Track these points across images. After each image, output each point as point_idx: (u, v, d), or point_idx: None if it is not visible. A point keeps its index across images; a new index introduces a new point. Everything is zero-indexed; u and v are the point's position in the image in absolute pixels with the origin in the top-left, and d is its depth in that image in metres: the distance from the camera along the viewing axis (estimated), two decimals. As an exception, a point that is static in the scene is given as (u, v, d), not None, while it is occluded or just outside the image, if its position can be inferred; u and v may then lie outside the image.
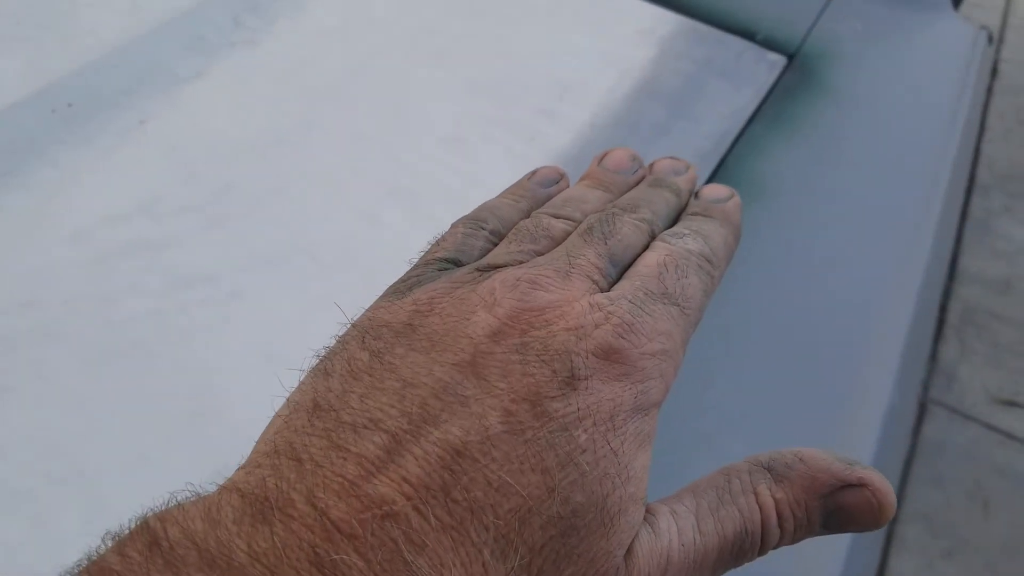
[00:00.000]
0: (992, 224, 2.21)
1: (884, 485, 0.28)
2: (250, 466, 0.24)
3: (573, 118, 0.72)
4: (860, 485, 0.27)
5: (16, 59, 0.69)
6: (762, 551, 0.28)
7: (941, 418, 1.76)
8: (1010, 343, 1.91)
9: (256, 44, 0.74)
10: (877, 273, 0.64)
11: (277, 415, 0.27)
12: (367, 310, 0.30)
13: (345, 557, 0.21)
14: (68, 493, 0.46)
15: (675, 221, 0.36)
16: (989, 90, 2.65)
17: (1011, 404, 1.78)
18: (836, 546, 0.49)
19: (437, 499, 0.22)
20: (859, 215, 0.68)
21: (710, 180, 0.68)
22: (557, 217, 0.34)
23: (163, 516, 0.22)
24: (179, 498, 0.23)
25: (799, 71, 0.80)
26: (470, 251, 0.33)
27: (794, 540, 0.28)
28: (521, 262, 0.30)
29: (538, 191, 0.38)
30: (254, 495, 0.22)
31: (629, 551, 0.25)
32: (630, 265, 0.31)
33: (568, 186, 0.40)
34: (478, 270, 0.30)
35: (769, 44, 0.82)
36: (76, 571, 0.21)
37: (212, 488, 0.23)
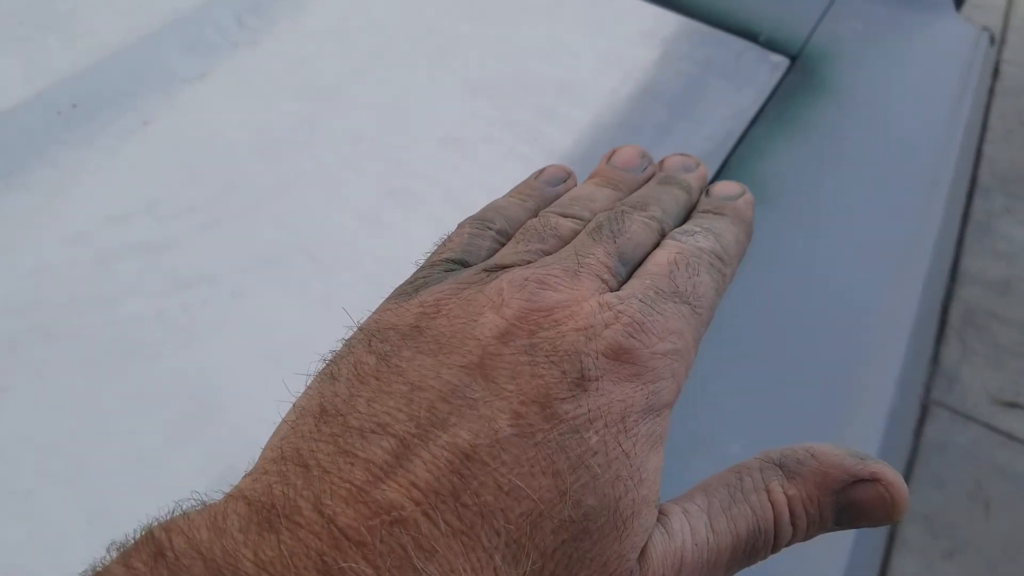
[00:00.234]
0: (993, 225, 2.21)
1: (897, 479, 0.27)
2: (256, 473, 0.24)
3: (575, 119, 0.72)
4: (873, 480, 0.27)
5: (19, 60, 0.69)
6: (775, 549, 0.27)
7: (942, 419, 1.76)
8: (1011, 344, 1.91)
9: (258, 45, 0.74)
10: (879, 274, 0.64)
11: (284, 421, 0.26)
12: (373, 312, 0.29)
13: (354, 565, 0.20)
14: (69, 494, 0.46)
15: (686, 219, 0.35)
16: (991, 91, 2.65)
17: (1012, 405, 1.78)
18: (838, 546, 0.49)
19: (447, 504, 0.22)
20: (861, 216, 0.68)
21: (712, 181, 0.68)
22: (565, 216, 0.34)
23: (168, 526, 0.22)
24: (184, 507, 0.23)
25: (801, 72, 0.80)
26: (477, 251, 0.33)
27: (806, 537, 0.28)
28: (529, 262, 0.30)
29: (545, 190, 0.38)
30: (260, 502, 0.22)
31: (643, 553, 0.25)
32: (640, 264, 0.31)
33: (576, 185, 0.39)
34: (485, 271, 0.29)
35: (771, 45, 0.82)
36: None
37: (218, 496, 0.23)
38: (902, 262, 0.66)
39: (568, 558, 0.23)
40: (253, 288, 0.56)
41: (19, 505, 0.45)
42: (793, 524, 0.27)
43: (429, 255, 0.33)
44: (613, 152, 0.40)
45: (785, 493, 0.27)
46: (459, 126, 0.70)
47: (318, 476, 0.22)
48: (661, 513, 0.26)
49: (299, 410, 0.26)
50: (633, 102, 0.75)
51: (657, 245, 0.32)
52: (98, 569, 0.21)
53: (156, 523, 0.22)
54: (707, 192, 0.37)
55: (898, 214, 0.69)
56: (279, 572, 0.20)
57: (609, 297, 0.27)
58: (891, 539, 1.56)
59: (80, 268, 0.56)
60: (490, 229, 0.34)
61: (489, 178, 0.65)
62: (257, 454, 0.25)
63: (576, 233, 0.33)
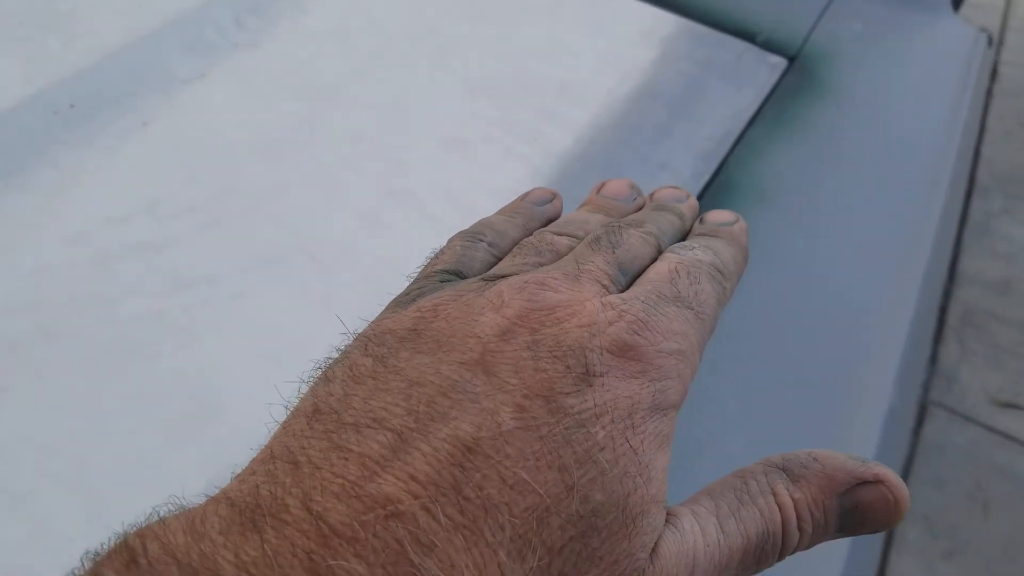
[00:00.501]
0: (992, 225, 2.21)
1: (899, 481, 0.27)
2: (244, 474, 0.23)
3: (574, 119, 0.72)
4: (876, 482, 0.27)
5: (18, 60, 0.69)
6: (782, 555, 0.27)
7: (941, 419, 1.76)
8: (1010, 344, 1.91)
9: (257, 45, 0.74)
10: (877, 274, 0.64)
11: (279, 424, 0.25)
12: (369, 323, 0.29)
13: (344, 563, 0.19)
14: (69, 494, 0.46)
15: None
16: (989, 92, 2.65)
17: (1011, 406, 1.78)
18: (836, 547, 0.49)
19: (447, 497, 0.21)
20: (859, 216, 0.68)
21: (711, 182, 0.68)
22: (560, 234, 0.33)
23: (143, 532, 0.20)
24: (162, 512, 0.22)
25: (800, 73, 0.80)
26: (470, 263, 0.32)
27: (810, 544, 0.27)
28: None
29: (533, 209, 0.38)
30: (245, 503, 0.21)
31: (655, 551, 0.24)
32: (637, 277, 0.30)
33: (561, 205, 0.39)
34: (483, 280, 0.29)
35: (770, 46, 0.82)
36: None
37: (200, 500, 0.22)
38: (900, 262, 0.66)
39: (576, 555, 0.22)
40: (253, 288, 0.56)
41: (19, 505, 0.45)
42: (799, 528, 0.27)
43: (422, 268, 0.33)
44: (603, 184, 0.40)
45: (791, 496, 0.27)
46: (459, 126, 0.70)
47: (308, 473, 0.21)
48: (670, 514, 0.26)
49: (292, 411, 0.25)
50: (632, 102, 0.75)
51: (655, 260, 0.31)
52: None
53: (131, 530, 0.21)
54: (701, 219, 0.37)
55: (896, 214, 0.69)
56: (261, 572, 0.19)
57: (611, 298, 0.27)
58: (889, 539, 1.56)
59: (80, 268, 0.56)
60: (481, 241, 0.34)
61: (489, 178, 0.65)
62: (256, 454, 0.24)
63: (572, 249, 0.32)
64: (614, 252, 0.30)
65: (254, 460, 0.24)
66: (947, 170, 0.75)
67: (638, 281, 0.29)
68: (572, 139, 0.70)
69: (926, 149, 0.76)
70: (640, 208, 0.38)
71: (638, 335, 0.26)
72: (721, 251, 0.32)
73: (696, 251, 0.31)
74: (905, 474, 1.64)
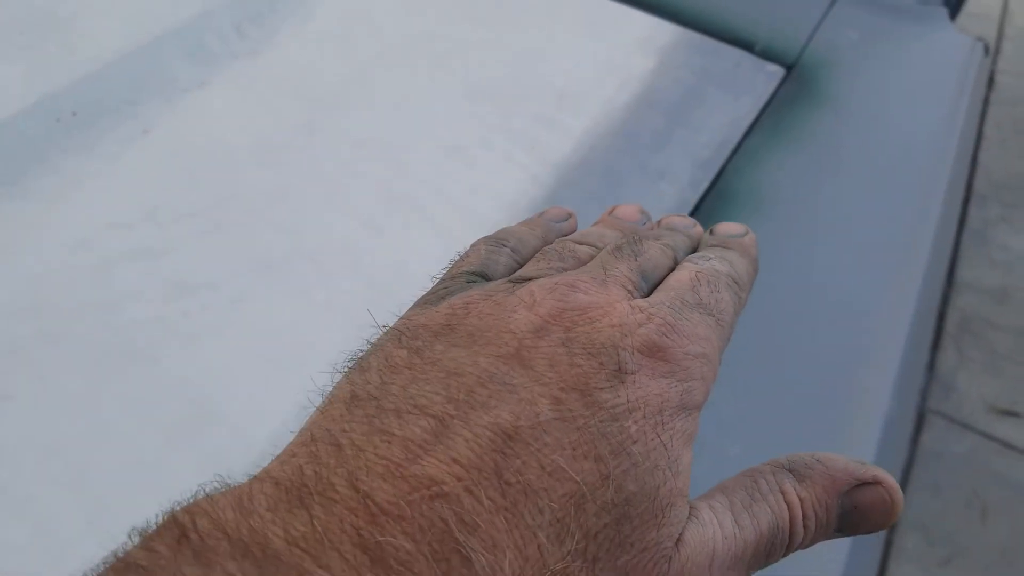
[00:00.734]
0: (989, 234, 2.22)
1: (895, 484, 0.28)
2: (285, 456, 0.23)
3: (573, 126, 0.72)
4: (875, 483, 0.28)
5: (20, 68, 0.69)
6: (787, 551, 0.28)
7: (939, 427, 1.76)
8: (1008, 352, 1.91)
9: (258, 53, 0.75)
10: (875, 282, 0.64)
11: (315, 410, 0.26)
12: (399, 319, 0.29)
13: (392, 539, 0.20)
14: (70, 497, 0.46)
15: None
16: (986, 101, 2.66)
17: (1009, 413, 1.79)
18: (835, 554, 0.49)
19: (489, 480, 0.22)
20: (857, 224, 0.69)
21: (709, 190, 0.68)
22: (581, 244, 0.34)
23: (191, 508, 0.21)
24: (207, 490, 0.22)
25: (797, 81, 0.80)
26: (495, 266, 0.33)
27: (811, 542, 0.28)
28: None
29: (551, 225, 0.39)
30: (290, 482, 0.21)
31: (680, 541, 0.25)
32: (657, 285, 0.31)
33: (576, 224, 0.40)
34: (511, 282, 0.29)
35: (768, 55, 0.83)
36: (101, 568, 0.20)
37: (243, 479, 0.23)
38: (898, 269, 0.66)
39: (610, 541, 0.23)
40: (254, 293, 0.56)
41: (20, 508, 0.46)
42: (804, 526, 0.28)
43: (447, 269, 0.34)
44: (614, 208, 0.41)
45: (798, 495, 0.28)
46: (459, 133, 0.70)
47: (352, 455, 0.22)
48: (690, 507, 0.26)
49: (329, 398, 0.26)
50: (631, 110, 0.75)
51: (673, 270, 0.32)
52: (119, 555, 0.20)
53: (178, 506, 0.21)
54: (711, 231, 0.38)
55: (893, 222, 0.70)
56: (311, 547, 0.20)
57: (639, 301, 0.28)
58: (888, 546, 1.56)
59: (81, 274, 0.56)
60: (504, 246, 0.34)
61: (488, 185, 0.66)
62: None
63: (593, 257, 0.33)
64: (636, 260, 0.31)
65: (293, 443, 0.24)
66: (944, 178, 0.75)
67: (660, 288, 0.30)
68: (571, 146, 0.70)
69: (923, 157, 0.76)
70: (651, 230, 0.39)
71: (667, 337, 0.26)
72: (735, 262, 0.34)
73: (713, 261, 0.32)
74: (903, 481, 1.65)
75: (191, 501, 0.21)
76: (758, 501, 0.28)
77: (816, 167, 0.73)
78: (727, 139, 0.73)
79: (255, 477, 0.22)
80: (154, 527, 0.21)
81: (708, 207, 0.67)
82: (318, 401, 0.26)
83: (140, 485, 0.47)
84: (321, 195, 0.64)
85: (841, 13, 0.89)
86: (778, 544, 0.27)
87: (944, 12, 0.94)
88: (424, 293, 0.31)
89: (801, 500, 0.28)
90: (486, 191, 0.65)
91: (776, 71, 0.81)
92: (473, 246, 0.35)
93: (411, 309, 0.30)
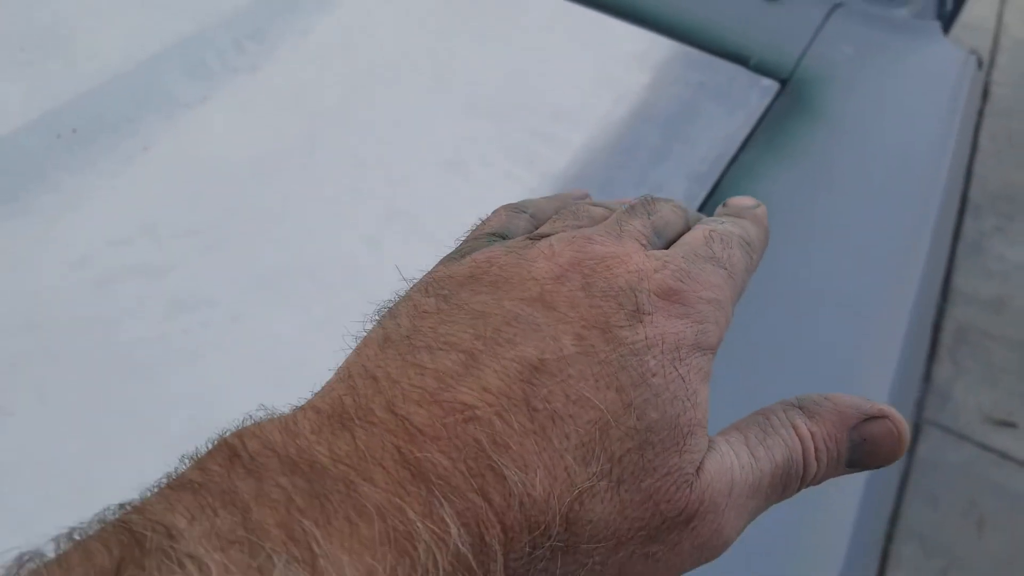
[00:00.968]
0: (985, 244, 2.22)
1: (901, 417, 0.30)
2: (323, 391, 0.25)
3: (570, 141, 0.73)
4: (882, 416, 0.30)
5: (20, 85, 0.69)
6: (802, 484, 0.29)
7: (936, 438, 1.76)
8: (1004, 363, 1.92)
9: (257, 69, 0.75)
10: (870, 293, 0.65)
11: (351, 352, 0.27)
12: (424, 275, 0.31)
13: (430, 455, 0.21)
14: (70, 515, 0.46)
15: None
16: (981, 112, 2.67)
17: (1005, 424, 1.79)
18: (832, 562, 0.49)
19: (518, 407, 0.23)
20: (852, 236, 0.69)
21: (705, 203, 0.69)
22: (596, 206, 0.35)
23: (240, 433, 0.22)
24: (254, 417, 0.23)
25: (792, 96, 0.81)
26: (515, 229, 0.34)
27: (825, 476, 0.30)
28: None
29: (568, 200, 0.40)
30: (331, 410, 0.23)
31: (700, 468, 0.26)
32: (671, 244, 0.32)
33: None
34: (530, 239, 0.31)
35: (762, 69, 0.83)
36: (156, 488, 0.21)
37: (286, 409, 0.24)
38: (892, 281, 0.67)
39: (634, 465, 0.24)
40: (253, 310, 0.57)
41: (19, 524, 0.46)
42: (816, 459, 0.29)
43: (470, 231, 0.36)
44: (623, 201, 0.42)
45: (809, 430, 0.29)
46: (457, 149, 0.71)
47: (388, 385, 0.23)
48: (709, 440, 0.28)
49: (361, 342, 0.27)
50: (627, 125, 0.76)
51: (686, 231, 0.33)
52: (173, 476, 0.22)
53: (227, 432, 0.23)
54: (724, 204, 0.39)
55: (888, 234, 0.70)
56: (356, 464, 0.21)
57: (655, 252, 0.29)
58: (885, 556, 1.56)
59: (81, 291, 0.56)
60: (525, 212, 0.36)
61: (487, 200, 0.66)
62: None
63: (607, 218, 0.34)
64: (650, 218, 0.32)
65: (330, 381, 0.26)
66: (938, 190, 0.75)
67: (674, 245, 0.31)
68: (568, 161, 0.71)
69: (917, 170, 0.77)
70: None
71: (682, 282, 0.28)
72: (748, 228, 0.34)
73: (726, 224, 0.33)
74: (899, 492, 1.65)
75: (239, 427, 0.23)
76: (771, 435, 0.29)
77: (811, 180, 0.73)
78: (723, 153, 0.74)
79: (298, 408, 0.24)
80: (205, 451, 0.22)
81: (704, 221, 0.67)
82: (352, 346, 0.28)
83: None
84: (321, 211, 0.64)
85: (835, 27, 0.89)
86: (793, 476, 0.29)
87: (937, 26, 0.95)
88: (448, 252, 0.32)
89: (812, 434, 0.29)
90: (485, 206, 0.65)
91: (771, 85, 0.82)
92: (495, 212, 0.37)
93: (435, 266, 0.31)
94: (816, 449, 0.29)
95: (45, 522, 0.46)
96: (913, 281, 0.67)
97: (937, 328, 1.98)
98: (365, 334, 0.28)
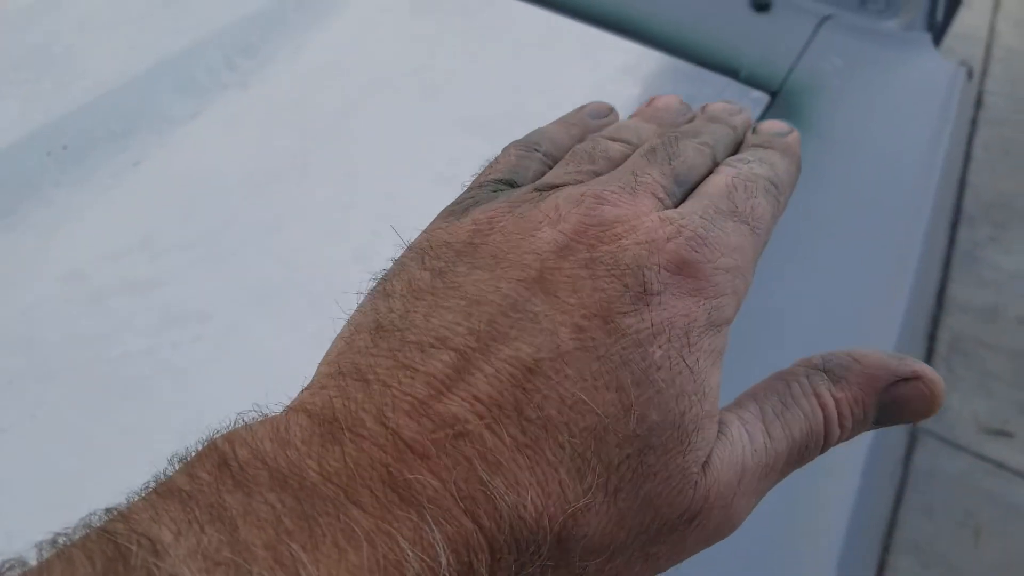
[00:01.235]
0: (979, 254, 2.23)
1: (935, 375, 0.28)
2: (314, 387, 0.24)
3: (561, 155, 0.73)
4: (914, 378, 0.28)
5: (11, 101, 0.70)
6: (823, 449, 0.28)
7: (931, 447, 1.76)
8: (999, 372, 1.92)
9: (248, 85, 0.75)
10: (861, 305, 0.65)
11: (338, 337, 0.26)
12: (423, 232, 0.29)
13: (420, 477, 0.21)
14: (60, 529, 0.46)
15: (734, 154, 0.35)
16: (974, 122, 2.68)
17: (1001, 433, 1.79)
18: (825, 574, 0.49)
19: (510, 418, 0.22)
20: (842, 248, 0.69)
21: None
22: (614, 140, 0.33)
23: (231, 437, 0.22)
24: (245, 419, 0.23)
25: (782, 108, 0.81)
26: (524, 172, 0.32)
27: (850, 436, 0.28)
28: (581, 182, 0.29)
29: (590, 122, 0.38)
30: (322, 415, 0.22)
31: (707, 462, 0.25)
32: (693, 189, 0.30)
33: (617, 119, 0.39)
34: (537, 190, 0.29)
35: (752, 82, 0.83)
36: (143, 492, 0.21)
37: (278, 409, 0.23)
38: (884, 292, 0.67)
39: (633, 472, 0.23)
40: (246, 325, 0.57)
41: (11, 541, 0.46)
42: (840, 425, 0.28)
43: (475, 177, 0.33)
44: (653, 98, 0.39)
45: (833, 396, 0.28)
46: (451, 164, 0.71)
47: (379, 390, 0.22)
48: (720, 422, 0.26)
49: (354, 326, 0.26)
50: (618, 138, 0.76)
51: (710, 172, 0.31)
52: (161, 480, 0.21)
53: (218, 434, 0.22)
54: (754, 129, 0.36)
55: (878, 245, 0.70)
56: (344, 483, 0.20)
57: (669, 213, 0.27)
58: (881, 568, 1.56)
59: (74, 306, 0.56)
60: (536, 151, 0.34)
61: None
62: None
63: (626, 157, 0.32)
64: (670, 164, 0.30)
65: (321, 374, 0.25)
66: (929, 201, 0.76)
67: (694, 194, 0.29)
68: (559, 175, 0.71)
69: (907, 181, 0.77)
70: (691, 121, 0.37)
71: (696, 252, 0.26)
72: (776, 163, 0.32)
73: (752, 164, 0.31)
74: (896, 502, 1.65)
75: (230, 429, 0.22)
76: (790, 407, 0.28)
77: (801, 192, 0.73)
78: (713, 166, 0.74)
79: (289, 407, 0.23)
80: (194, 453, 0.22)
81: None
82: (341, 325, 0.27)
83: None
84: (313, 226, 0.64)
85: (825, 40, 0.90)
86: (812, 447, 0.27)
87: (928, 38, 0.95)
88: (451, 202, 0.31)
89: (837, 401, 0.28)
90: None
91: (761, 97, 0.82)
92: (504, 151, 0.35)
93: (436, 220, 0.30)
94: (840, 416, 0.28)
95: (37, 538, 0.46)
96: (904, 291, 0.67)
97: (932, 337, 1.99)
98: (359, 306, 0.27)
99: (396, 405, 0.22)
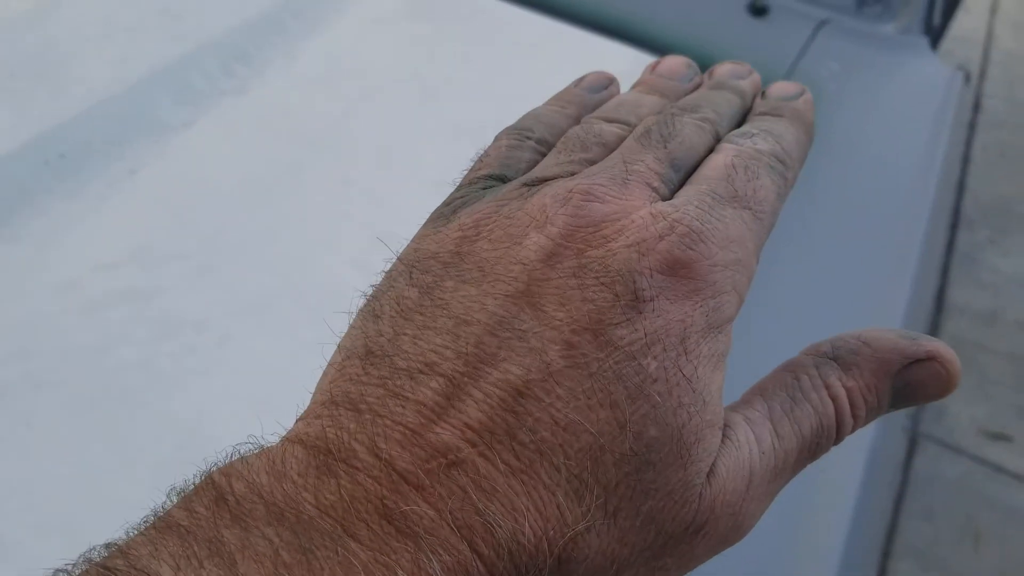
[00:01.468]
0: (978, 256, 2.23)
1: (951, 354, 0.27)
2: (309, 417, 0.23)
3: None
4: (929, 359, 0.27)
5: (8, 110, 0.70)
6: (837, 441, 0.27)
7: (931, 452, 1.76)
8: (998, 375, 1.92)
9: (244, 93, 0.75)
10: (859, 308, 0.65)
11: (330, 364, 0.26)
12: (412, 240, 0.28)
13: (415, 508, 0.20)
14: (58, 543, 0.46)
15: (741, 124, 0.32)
16: (972, 125, 2.68)
17: (1000, 437, 1.79)
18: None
19: (503, 443, 0.21)
20: (839, 252, 0.69)
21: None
22: (610, 121, 0.31)
23: (227, 471, 0.21)
24: (241, 451, 0.22)
25: (779, 112, 0.81)
26: (516, 164, 0.30)
27: (864, 424, 0.27)
28: (572, 173, 0.28)
29: (587, 97, 0.35)
30: (316, 446, 0.22)
31: (711, 471, 0.24)
32: (693, 170, 0.28)
33: (618, 91, 0.36)
34: (525, 185, 0.27)
35: (749, 86, 0.83)
36: (142, 526, 0.21)
37: (274, 439, 0.23)
38: (881, 295, 0.67)
39: (632, 490, 0.22)
40: (241, 334, 0.57)
41: (6, 552, 0.45)
42: (853, 415, 0.26)
43: (466, 172, 0.31)
44: (658, 62, 0.37)
45: (844, 386, 0.26)
46: (446, 171, 0.70)
47: (370, 420, 0.22)
48: (724, 426, 0.25)
49: (345, 351, 0.25)
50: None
51: (712, 150, 0.29)
52: (159, 514, 0.21)
53: (215, 468, 0.22)
54: (763, 94, 0.34)
55: (877, 249, 0.70)
56: (341, 516, 0.20)
57: (662, 206, 0.25)
58: (882, 573, 1.56)
59: (69, 316, 0.56)
60: (529, 139, 0.32)
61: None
62: None
63: (622, 140, 0.30)
64: (666, 147, 0.28)
65: (315, 402, 0.24)
66: (927, 204, 0.76)
67: (692, 179, 0.28)
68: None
69: (904, 185, 0.77)
70: (697, 87, 0.35)
71: (691, 249, 0.24)
72: (783, 135, 0.30)
73: (756, 139, 0.29)
74: (895, 507, 1.64)
75: (226, 462, 0.22)
76: (800, 403, 0.26)
77: (798, 195, 0.73)
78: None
79: (285, 438, 0.23)
80: (191, 487, 0.21)
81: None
82: (333, 348, 0.26)
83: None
84: (308, 233, 0.64)
85: (822, 44, 0.90)
86: (824, 441, 0.26)
87: (925, 42, 0.95)
88: (441, 203, 0.29)
89: (848, 390, 0.26)
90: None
91: (758, 103, 0.82)
92: (496, 140, 0.33)
93: (426, 224, 0.29)
94: (853, 405, 0.26)
95: (34, 549, 0.46)
96: (903, 295, 0.67)
97: (931, 341, 1.98)
98: (349, 327, 0.26)
99: (388, 435, 0.22)
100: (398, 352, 0.23)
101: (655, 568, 0.24)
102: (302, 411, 0.26)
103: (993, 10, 3.25)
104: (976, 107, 2.75)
